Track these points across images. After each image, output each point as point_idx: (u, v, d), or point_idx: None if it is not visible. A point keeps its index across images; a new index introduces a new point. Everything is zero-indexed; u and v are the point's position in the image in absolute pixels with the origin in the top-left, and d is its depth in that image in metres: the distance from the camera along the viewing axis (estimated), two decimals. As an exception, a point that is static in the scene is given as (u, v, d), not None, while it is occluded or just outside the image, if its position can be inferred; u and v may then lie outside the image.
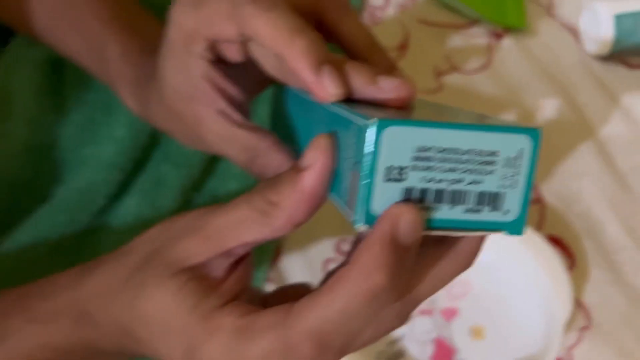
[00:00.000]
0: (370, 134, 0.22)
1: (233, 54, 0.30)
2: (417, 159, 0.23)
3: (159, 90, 0.33)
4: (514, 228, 0.24)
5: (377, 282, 0.22)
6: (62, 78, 0.49)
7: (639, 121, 0.56)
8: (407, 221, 0.22)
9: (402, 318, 0.25)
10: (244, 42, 0.29)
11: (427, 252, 0.25)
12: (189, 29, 0.30)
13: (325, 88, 0.25)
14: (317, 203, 0.25)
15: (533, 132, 0.23)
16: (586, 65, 0.59)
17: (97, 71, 0.41)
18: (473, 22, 0.60)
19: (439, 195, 0.23)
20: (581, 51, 0.59)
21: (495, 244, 0.47)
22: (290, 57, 0.26)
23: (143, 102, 0.37)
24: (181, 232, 0.26)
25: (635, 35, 0.57)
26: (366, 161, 0.22)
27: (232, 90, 0.32)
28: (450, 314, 0.47)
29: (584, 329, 0.47)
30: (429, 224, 0.23)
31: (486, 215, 0.24)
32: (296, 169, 0.24)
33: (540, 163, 0.53)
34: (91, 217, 0.46)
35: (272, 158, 0.31)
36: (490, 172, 0.23)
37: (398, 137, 0.22)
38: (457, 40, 0.60)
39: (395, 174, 0.23)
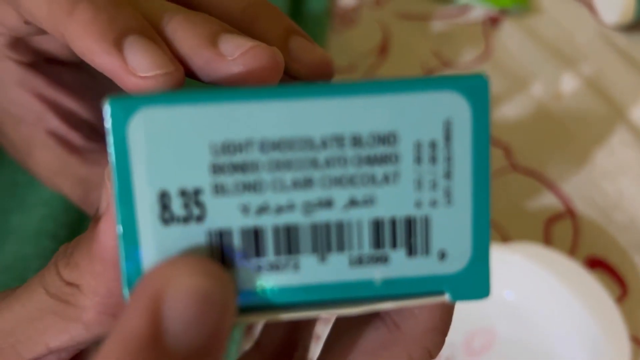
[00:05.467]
0: (110, 126, 0.12)
1: (59, 49, 0.22)
2: (220, 169, 0.12)
3: None
4: (465, 286, 0.13)
5: None
6: None
7: (682, 97, 0.45)
8: (181, 296, 0.12)
9: None
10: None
11: (343, 339, 0.15)
12: None
13: (131, 65, 0.15)
14: None
15: (469, 84, 0.12)
16: (607, 38, 0.49)
17: None
18: (462, 8, 0.51)
19: (290, 238, 0.12)
20: (598, 23, 0.49)
21: (519, 278, 0.37)
22: (72, 36, 0.16)
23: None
24: None
25: (662, -5, 0.46)
26: (114, 188, 0.13)
27: (70, 102, 0.23)
28: (473, 374, 0.37)
29: (650, 374, 0.36)
30: (276, 299, 0.12)
31: (401, 266, 0.12)
32: (95, 219, 0.15)
33: (563, 162, 0.43)
34: None
35: (104, 191, 0.22)
36: (387, 179, 0.12)
37: (171, 129, 0.12)
38: (445, 31, 0.50)
39: (182, 208, 0.12)
